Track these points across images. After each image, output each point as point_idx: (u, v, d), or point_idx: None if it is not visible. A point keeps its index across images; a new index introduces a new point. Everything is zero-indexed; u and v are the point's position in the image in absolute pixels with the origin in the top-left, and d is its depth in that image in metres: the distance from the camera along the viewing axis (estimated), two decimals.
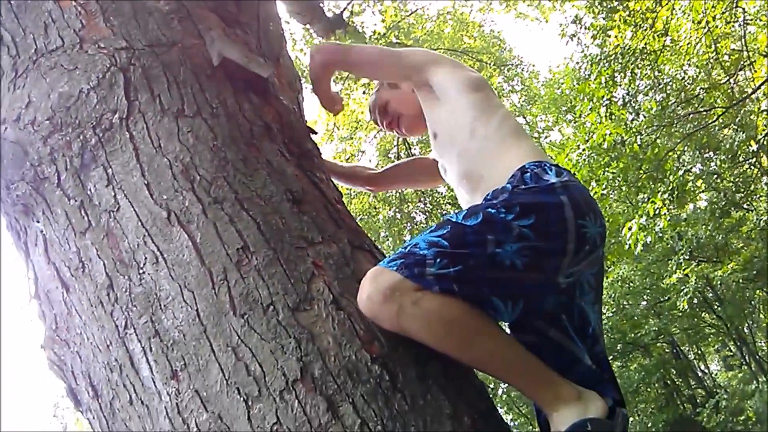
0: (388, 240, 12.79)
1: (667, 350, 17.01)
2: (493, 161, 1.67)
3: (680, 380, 18.12)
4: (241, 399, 1.15)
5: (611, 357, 16.26)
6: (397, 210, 12.53)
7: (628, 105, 8.92)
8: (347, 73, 1.88)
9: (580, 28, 9.77)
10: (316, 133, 2.03)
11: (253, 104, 1.63)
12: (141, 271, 1.31)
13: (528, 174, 1.51)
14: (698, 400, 16.74)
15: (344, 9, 9.56)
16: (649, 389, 16.99)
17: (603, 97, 8.68)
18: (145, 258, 1.32)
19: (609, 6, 8.80)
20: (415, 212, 12.65)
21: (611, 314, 14.92)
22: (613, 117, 8.70)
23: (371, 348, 1.21)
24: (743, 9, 9.06)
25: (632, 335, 15.26)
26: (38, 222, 1.49)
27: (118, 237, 1.36)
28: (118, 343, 1.30)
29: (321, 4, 7.02)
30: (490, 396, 1.38)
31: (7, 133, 1.52)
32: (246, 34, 1.84)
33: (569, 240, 1.40)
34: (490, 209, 1.39)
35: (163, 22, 1.67)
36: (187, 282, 1.27)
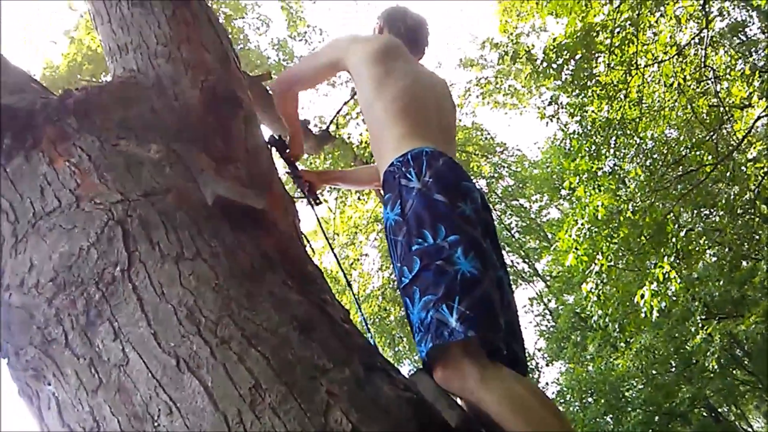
0: (403, 341, 12.60)
1: (705, 415, 16.35)
2: (380, 144, 1.82)
3: None
4: None
5: None
6: None
7: (614, 175, 9.06)
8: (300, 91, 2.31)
9: (558, 108, 10.06)
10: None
11: (252, 237, 1.65)
12: (156, 424, 1.29)
13: (402, 180, 1.65)
14: None
15: (330, 123, 9.89)
16: None
17: (588, 170, 8.83)
18: (159, 410, 1.30)
19: (581, 83, 9.10)
20: None
21: (641, 387, 14.45)
22: (602, 188, 8.81)
23: None
24: (711, 68, 9.39)
25: (667, 405, 14.71)
26: (49, 385, 1.47)
27: (130, 391, 1.34)
28: None
29: (307, 123, 7.24)
30: None
31: (12, 299, 1.53)
32: (237, 168, 1.90)
33: (466, 221, 1.57)
34: (413, 246, 1.53)
35: (155, 170, 1.72)
36: (203, 430, 1.24)
